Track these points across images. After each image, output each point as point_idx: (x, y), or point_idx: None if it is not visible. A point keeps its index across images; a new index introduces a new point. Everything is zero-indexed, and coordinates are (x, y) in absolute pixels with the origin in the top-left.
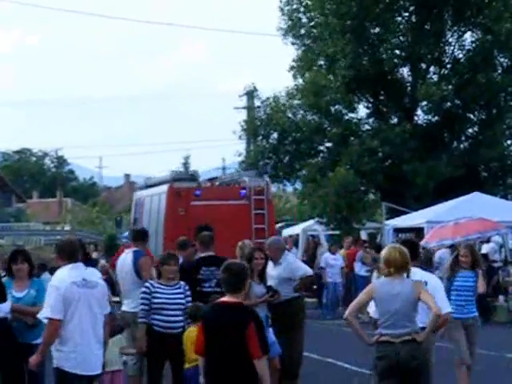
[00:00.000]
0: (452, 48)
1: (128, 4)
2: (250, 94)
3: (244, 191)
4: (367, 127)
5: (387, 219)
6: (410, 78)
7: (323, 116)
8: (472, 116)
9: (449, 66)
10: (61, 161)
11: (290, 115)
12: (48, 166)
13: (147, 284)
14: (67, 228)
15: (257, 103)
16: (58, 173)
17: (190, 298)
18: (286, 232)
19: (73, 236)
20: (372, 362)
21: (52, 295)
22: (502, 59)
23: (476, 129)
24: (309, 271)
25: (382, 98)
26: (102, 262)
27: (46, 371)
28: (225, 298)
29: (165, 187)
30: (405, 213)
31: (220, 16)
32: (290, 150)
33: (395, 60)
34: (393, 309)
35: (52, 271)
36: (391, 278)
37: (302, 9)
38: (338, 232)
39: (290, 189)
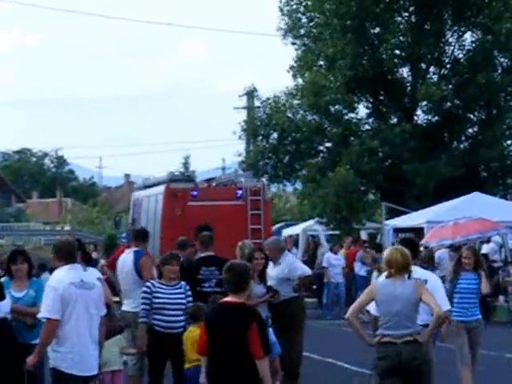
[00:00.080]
0: (452, 48)
1: (128, 4)
2: (250, 94)
3: (240, 192)
4: (367, 127)
5: (387, 219)
6: (409, 78)
7: (323, 116)
8: (472, 116)
9: (449, 66)
10: (61, 161)
11: (289, 115)
12: (48, 166)
13: (148, 284)
14: (67, 228)
15: (257, 103)
16: (58, 173)
17: (190, 298)
18: (286, 232)
19: (70, 236)
20: (373, 362)
21: (50, 295)
22: (501, 59)
23: (476, 129)
24: (307, 271)
25: (381, 98)
26: (102, 261)
27: (45, 371)
28: (227, 298)
29: (162, 188)
30: (405, 213)
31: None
32: (290, 150)
33: (395, 60)
34: (394, 310)
35: (52, 271)
36: (392, 279)
37: (301, 9)
38: (337, 232)
39: (289, 189)
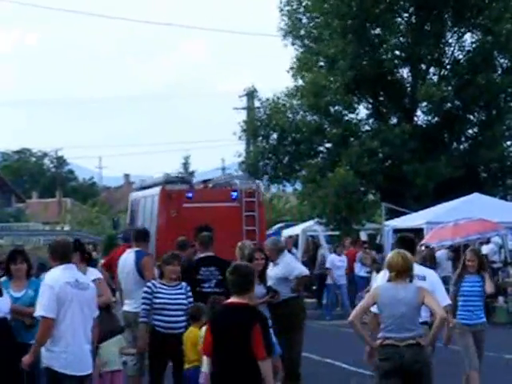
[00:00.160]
0: (452, 49)
1: (128, 4)
2: (250, 94)
3: (235, 193)
4: (367, 128)
5: (387, 220)
6: (409, 79)
7: (323, 116)
8: (472, 117)
9: (449, 66)
10: (60, 161)
11: (289, 116)
12: (47, 166)
13: (149, 284)
14: (67, 228)
15: (256, 104)
16: (58, 173)
17: (191, 299)
18: (286, 233)
19: (66, 237)
20: (374, 363)
21: (46, 294)
22: (502, 60)
23: (476, 130)
24: (304, 271)
25: (381, 98)
26: (102, 262)
27: (41, 371)
28: (232, 299)
29: (157, 189)
30: (404, 213)
31: (220, 16)
32: (290, 150)
33: (395, 61)
34: (397, 313)
35: None
36: (394, 283)
37: (301, 9)
38: (337, 232)
39: (289, 189)
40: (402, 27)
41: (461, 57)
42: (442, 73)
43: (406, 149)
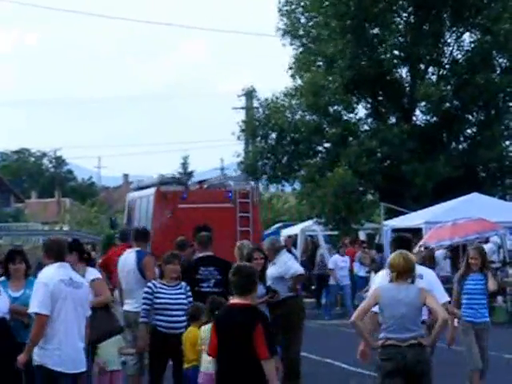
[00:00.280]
0: (451, 48)
1: (128, 4)
2: (249, 94)
3: (230, 194)
4: (366, 127)
5: (385, 220)
6: (408, 79)
7: (322, 116)
8: (470, 117)
9: (447, 66)
10: (59, 161)
11: (288, 115)
12: (46, 166)
13: (150, 284)
14: (66, 228)
15: (255, 104)
16: (57, 173)
17: (191, 299)
18: (285, 232)
19: (62, 236)
20: (375, 363)
21: (40, 291)
22: (500, 60)
23: (474, 129)
24: (299, 270)
25: (380, 98)
26: (99, 261)
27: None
28: (234, 300)
29: (152, 190)
30: (403, 213)
31: (220, 16)
32: (289, 150)
33: (394, 60)
34: (399, 313)
35: None
36: (396, 284)
37: (300, 9)
38: (336, 232)
39: (288, 189)
40: (400, 27)
41: (459, 56)
42: (440, 72)
43: (405, 148)
